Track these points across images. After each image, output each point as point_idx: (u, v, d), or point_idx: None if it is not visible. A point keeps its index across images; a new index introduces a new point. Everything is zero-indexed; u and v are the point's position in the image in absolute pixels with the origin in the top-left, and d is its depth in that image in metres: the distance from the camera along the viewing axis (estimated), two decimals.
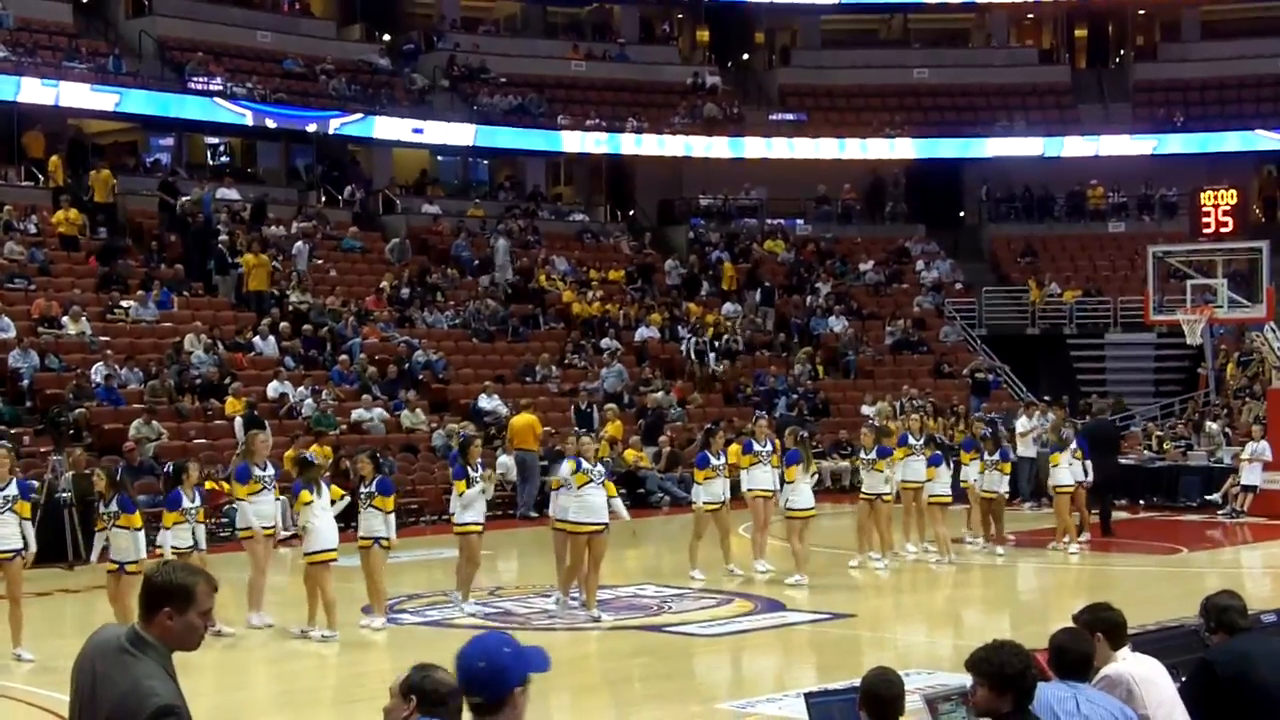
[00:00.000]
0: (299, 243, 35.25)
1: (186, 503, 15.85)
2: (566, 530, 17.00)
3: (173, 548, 15.46)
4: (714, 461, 20.04)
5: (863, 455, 21.78)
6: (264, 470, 16.82)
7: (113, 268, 31.58)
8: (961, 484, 22.71)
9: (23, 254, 31.01)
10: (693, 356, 36.34)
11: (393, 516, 16.30)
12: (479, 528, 17.22)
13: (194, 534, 16.04)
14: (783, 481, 19.83)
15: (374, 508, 16.17)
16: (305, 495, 15.72)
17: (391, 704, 5.07)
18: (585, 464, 16.89)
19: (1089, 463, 23.46)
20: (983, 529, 23.05)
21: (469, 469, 17.15)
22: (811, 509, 19.78)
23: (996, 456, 22.72)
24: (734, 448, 21.67)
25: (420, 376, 32.20)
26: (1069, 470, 23.18)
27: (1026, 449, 28.30)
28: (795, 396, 35.18)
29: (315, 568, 15.66)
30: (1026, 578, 22.20)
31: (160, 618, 5.06)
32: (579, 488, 16.81)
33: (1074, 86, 49.20)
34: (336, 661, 15.32)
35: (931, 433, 26.07)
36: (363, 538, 16.27)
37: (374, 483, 16.30)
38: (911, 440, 22.24)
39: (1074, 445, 23.67)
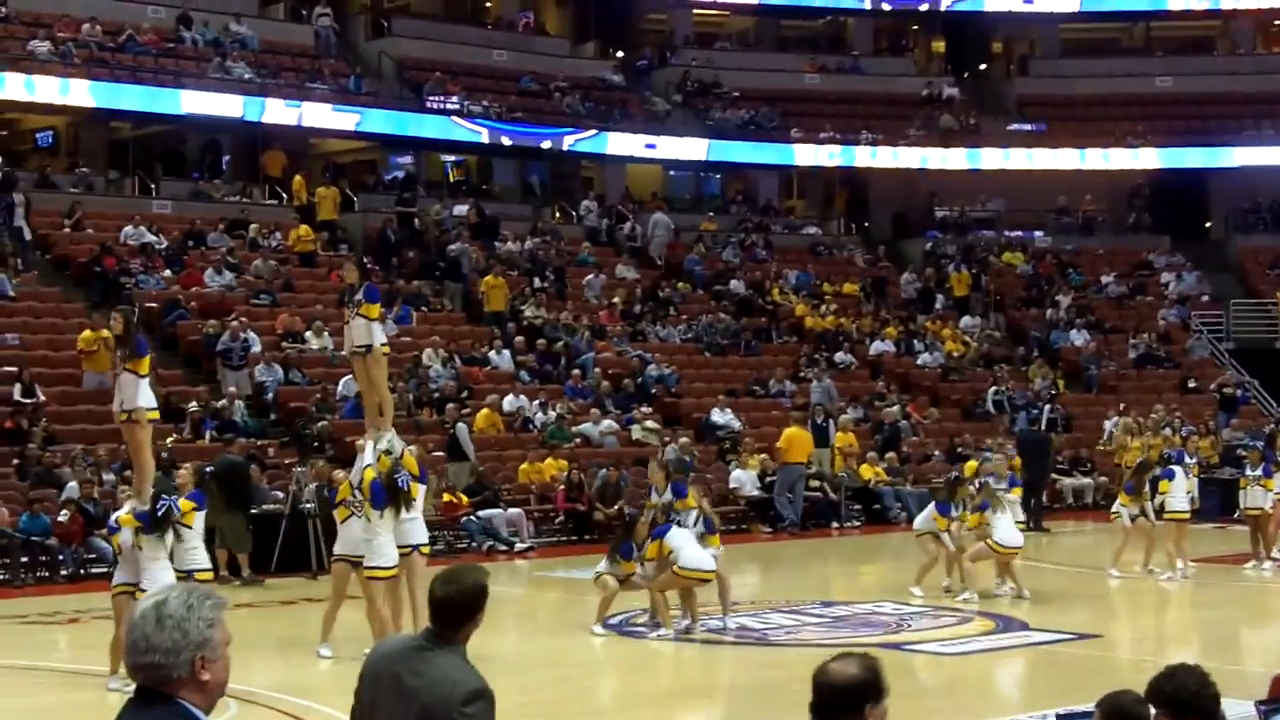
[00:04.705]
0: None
1: None
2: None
3: None
4: (954, 514, 19.62)
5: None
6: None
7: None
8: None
9: (268, 270, 31.74)
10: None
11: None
12: None
13: None
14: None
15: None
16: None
17: None
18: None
19: None
20: (1251, 545, 22.52)
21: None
22: (1017, 547, 19.17)
23: (1259, 472, 22.01)
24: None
25: (653, 390, 32.19)
26: None
27: None
28: (1035, 411, 34.38)
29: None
30: None
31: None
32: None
33: None
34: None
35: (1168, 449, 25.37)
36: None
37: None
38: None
39: None
